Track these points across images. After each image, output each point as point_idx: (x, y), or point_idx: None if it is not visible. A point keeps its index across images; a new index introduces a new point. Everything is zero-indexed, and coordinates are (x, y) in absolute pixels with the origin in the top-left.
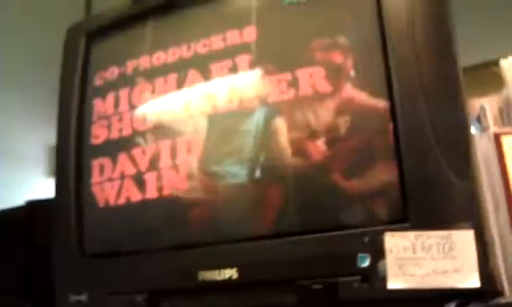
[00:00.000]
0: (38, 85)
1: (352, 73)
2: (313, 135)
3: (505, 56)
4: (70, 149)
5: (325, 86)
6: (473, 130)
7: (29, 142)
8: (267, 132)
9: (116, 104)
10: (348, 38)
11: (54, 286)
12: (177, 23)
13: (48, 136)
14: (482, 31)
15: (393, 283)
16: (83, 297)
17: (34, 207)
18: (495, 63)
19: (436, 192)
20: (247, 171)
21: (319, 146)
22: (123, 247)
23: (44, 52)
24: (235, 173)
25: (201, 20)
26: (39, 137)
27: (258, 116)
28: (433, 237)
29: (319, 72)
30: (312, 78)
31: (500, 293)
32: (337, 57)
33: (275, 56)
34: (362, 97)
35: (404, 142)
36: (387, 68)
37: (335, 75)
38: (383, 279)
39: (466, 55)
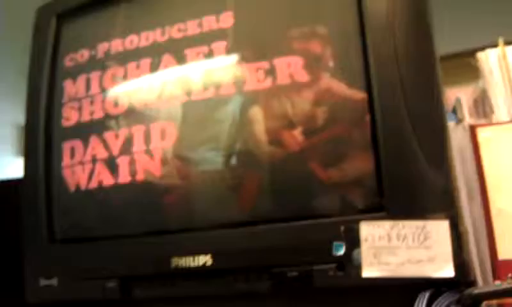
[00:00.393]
0: (6, 63)
1: (330, 63)
2: (290, 124)
3: (479, 45)
4: (39, 131)
5: (303, 76)
6: (448, 121)
7: None
8: (243, 121)
9: (87, 87)
10: (327, 27)
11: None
12: (151, 7)
13: (17, 115)
14: (457, 21)
15: (367, 272)
16: (53, 282)
17: (2, 187)
18: (470, 53)
19: (411, 183)
20: (222, 158)
21: (296, 135)
22: (94, 232)
23: (13, 31)
24: (211, 159)
25: (177, 3)
26: (7, 117)
27: (234, 104)
28: (408, 227)
29: (297, 61)
30: (289, 67)
31: (473, 283)
32: (316, 47)
33: (253, 44)
34: (340, 87)
35: (381, 133)
36: (366, 59)
37: (313, 64)
38: (358, 268)
39: (441, 45)
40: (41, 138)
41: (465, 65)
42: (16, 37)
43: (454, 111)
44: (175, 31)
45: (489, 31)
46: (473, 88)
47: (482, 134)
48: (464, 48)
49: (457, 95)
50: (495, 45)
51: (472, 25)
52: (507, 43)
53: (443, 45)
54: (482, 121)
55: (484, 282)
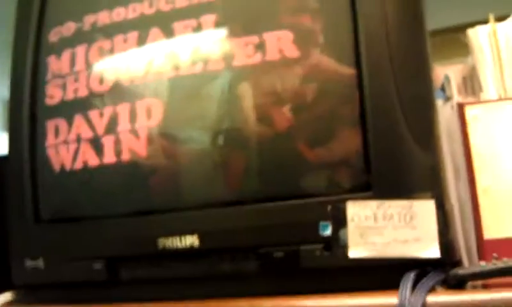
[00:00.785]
0: None
1: (321, 38)
2: (279, 101)
3: (470, 20)
4: (23, 109)
5: (293, 51)
6: (437, 98)
7: None
8: (231, 97)
9: (72, 62)
10: (317, 1)
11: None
12: None
13: (3, 89)
14: None
15: (354, 252)
16: (39, 263)
17: None
18: (460, 29)
19: (398, 162)
20: (209, 136)
21: (284, 112)
22: (80, 213)
23: None
24: (197, 138)
25: None
26: None
27: (223, 80)
28: (394, 206)
29: (287, 36)
30: (279, 42)
31: (459, 263)
32: (306, 21)
33: (242, 18)
34: (330, 64)
35: (370, 112)
36: (356, 35)
37: (304, 39)
38: (345, 248)
39: (432, 20)
40: (26, 117)
41: (455, 41)
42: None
43: (443, 89)
44: (162, 3)
45: (480, 5)
46: (462, 65)
47: (470, 112)
48: (454, 23)
49: (446, 72)
50: (486, 21)
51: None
52: (498, 19)
53: (434, 19)
54: (471, 98)
55: (469, 261)
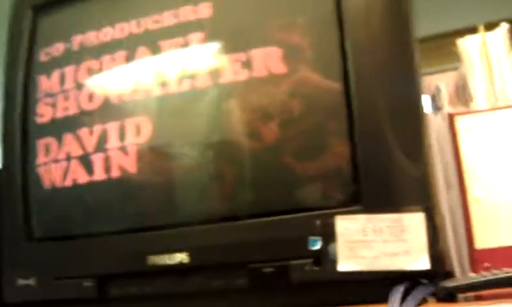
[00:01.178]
0: None
1: (307, 53)
2: (266, 117)
3: (460, 26)
4: (15, 128)
5: (280, 67)
6: (427, 108)
7: None
8: (219, 113)
9: (62, 82)
10: (304, 17)
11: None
12: None
13: None
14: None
15: (343, 266)
16: (31, 281)
17: None
18: (450, 35)
19: (388, 175)
20: (198, 153)
21: (272, 127)
22: (71, 231)
23: None
24: (186, 154)
25: None
26: None
27: (211, 97)
28: (384, 220)
29: (274, 52)
30: (266, 59)
31: (450, 274)
32: (293, 37)
33: (230, 35)
34: (317, 78)
35: (358, 125)
36: (343, 50)
37: (290, 55)
38: (334, 262)
39: (423, 25)
40: (18, 135)
41: (446, 46)
42: None
43: (433, 98)
44: (150, 23)
45: (470, 11)
46: (455, 72)
47: (461, 123)
48: (445, 30)
49: (437, 83)
50: (475, 28)
51: (452, 6)
52: (487, 26)
53: (425, 25)
54: (464, 107)
55: (461, 271)
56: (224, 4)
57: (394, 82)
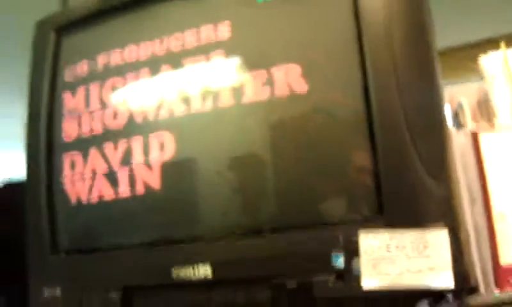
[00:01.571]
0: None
1: (329, 71)
2: (289, 133)
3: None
4: (40, 144)
5: (301, 85)
6: (450, 125)
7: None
8: (242, 130)
9: (87, 100)
10: (324, 34)
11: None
12: (150, 18)
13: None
14: (456, 13)
15: (367, 282)
16: (57, 292)
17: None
18: (473, 46)
19: (411, 192)
20: (221, 168)
21: (294, 143)
22: (96, 244)
23: (17, 45)
24: (209, 170)
25: (175, 14)
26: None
27: (233, 115)
28: (407, 236)
29: (294, 70)
30: (287, 76)
31: (474, 290)
32: (313, 55)
33: (250, 53)
34: (338, 95)
35: (380, 143)
36: (363, 66)
37: (311, 72)
38: (358, 278)
39: (447, 37)
40: (43, 152)
41: (470, 58)
42: (19, 51)
43: (456, 115)
44: (173, 41)
45: (488, 22)
46: (478, 86)
47: (484, 140)
48: (464, 41)
49: (459, 97)
50: (497, 39)
51: (471, 17)
52: (508, 38)
53: (449, 37)
54: (484, 126)
55: (485, 287)
56: (243, 24)
57: (416, 96)
